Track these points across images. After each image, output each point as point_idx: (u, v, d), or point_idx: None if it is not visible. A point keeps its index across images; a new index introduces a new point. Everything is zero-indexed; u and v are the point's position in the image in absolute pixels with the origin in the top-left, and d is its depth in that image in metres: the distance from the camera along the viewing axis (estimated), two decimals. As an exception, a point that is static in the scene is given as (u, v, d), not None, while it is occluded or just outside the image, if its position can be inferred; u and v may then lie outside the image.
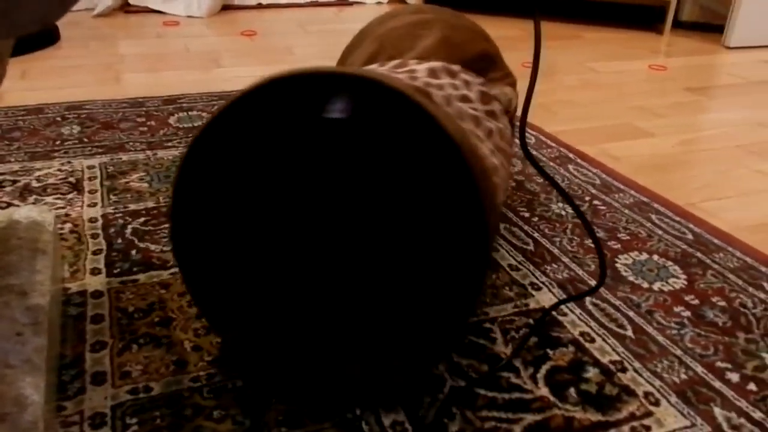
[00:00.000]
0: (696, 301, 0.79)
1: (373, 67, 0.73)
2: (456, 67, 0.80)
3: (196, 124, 1.27)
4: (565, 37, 2.22)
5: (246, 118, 0.55)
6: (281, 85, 0.53)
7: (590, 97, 1.60)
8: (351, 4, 2.56)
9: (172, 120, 1.28)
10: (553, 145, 1.26)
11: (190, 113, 1.32)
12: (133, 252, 0.82)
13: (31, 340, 0.56)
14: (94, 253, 0.82)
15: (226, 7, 2.35)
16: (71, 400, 0.59)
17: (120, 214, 0.92)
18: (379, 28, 0.92)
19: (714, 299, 0.79)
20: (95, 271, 0.78)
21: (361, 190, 0.56)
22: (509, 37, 2.18)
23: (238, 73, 1.65)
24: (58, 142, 1.16)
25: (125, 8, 2.26)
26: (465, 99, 0.75)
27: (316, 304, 0.60)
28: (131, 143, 1.17)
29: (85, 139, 1.17)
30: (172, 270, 0.79)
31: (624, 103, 1.56)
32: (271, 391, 0.59)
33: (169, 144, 1.17)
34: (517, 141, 1.19)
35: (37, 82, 1.50)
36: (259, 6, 2.43)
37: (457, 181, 0.51)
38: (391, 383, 0.60)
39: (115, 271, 0.78)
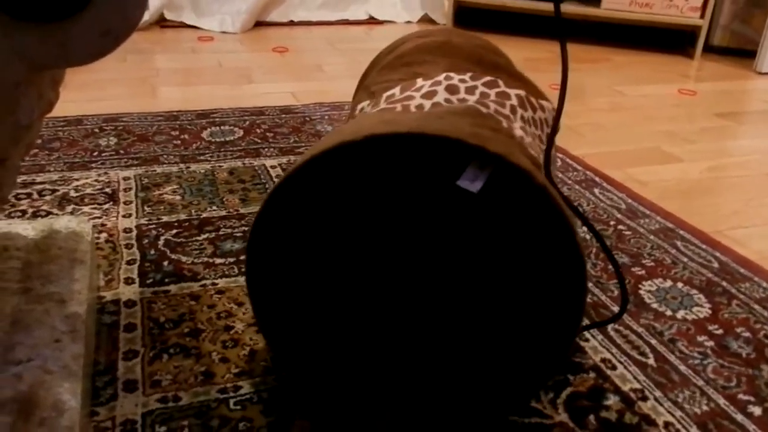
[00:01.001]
0: (720, 331, 0.79)
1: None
2: (534, 101, 0.80)
3: (227, 139, 1.30)
4: (594, 60, 2.22)
5: (336, 165, 0.59)
6: (413, 139, 0.57)
7: (618, 121, 1.60)
8: (381, 22, 2.60)
9: (204, 134, 1.32)
10: (579, 168, 1.26)
11: (222, 128, 1.36)
12: (165, 263, 0.85)
13: (69, 347, 0.58)
14: (128, 263, 0.85)
15: (258, 24, 2.41)
16: (104, 406, 0.61)
17: (153, 226, 0.95)
18: (397, 50, 0.93)
19: (738, 330, 0.79)
20: (129, 281, 0.81)
21: (463, 241, 0.62)
22: (536, 59, 2.19)
23: (269, 89, 1.69)
24: (95, 153, 1.20)
25: (161, 23, 2.33)
26: (542, 140, 0.76)
27: (406, 335, 0.64)
28: (165, 156, 1.20)
29: (122, 151, 1.21)
30: (202, 282, 0.82)
31: (652, 127, 1.56)
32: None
33: (202, 158, 1.20)
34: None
35: (77, 94, 1.55)
36: (291, 23, 2.48)
37: (565, 248, 0.56)
38: (478, 423, 0.62)
39: (148, 282, 0.81)
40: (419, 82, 0.71)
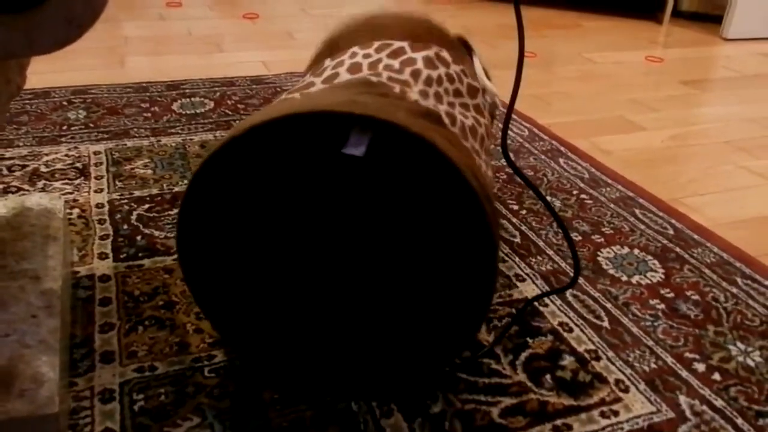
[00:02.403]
0: (671, 295, 0.83)
1: (365, 57, 0.76)
2: (447, 56, 0.82)
3: (198, 111, 1.30)
4: (566, 26, 2.23)
5: (260, 142, 0.60)
6: (299, 120, 0.58)
7: (586, 89, 1.63)
8: (353, -13, 2.57)
9: (175, 106, 1.32)
10: (546, 137, 1.29)
11: (192, 99, 1.36)
12: (138, 238, 0.87)
13: (45, 322, 0.60)
14: (102, 238, 0.86)
15: (228, -11, 2.36)
16: (82, 377, 0.64)
17: (125, 200, 0.96)
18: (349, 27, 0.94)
19: (688, 293, 0.84)
20: (102, 256, 0.82)
21: (376, 212, 0.62)
22: (508, 26, 2.19)
23: (240, 58, 1.68)
24: (64, 127, 1.19)
25: (129, -12, 2.27)
26: (458, 93, 0.78)
27: (330, 307, 0.65)
28: (135, 129, 1.20)
29: (91, 125, 1.21)
30: (175, 255, 0.84)
31: (619, 96, 1.59)
32: (278, 382, 0.63)
33: (172, 131, 1.20)
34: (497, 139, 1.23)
35: (44, 65, 1.53)
36: (262, -12, 2.44)
37: (470, 212, 0.57)
38: (403, 383, 0.65)
39: (121, 256, 0.83)
40: (326, 62, 0.73)
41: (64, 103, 1.30)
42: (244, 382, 0.65)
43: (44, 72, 1.48)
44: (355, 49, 0.75)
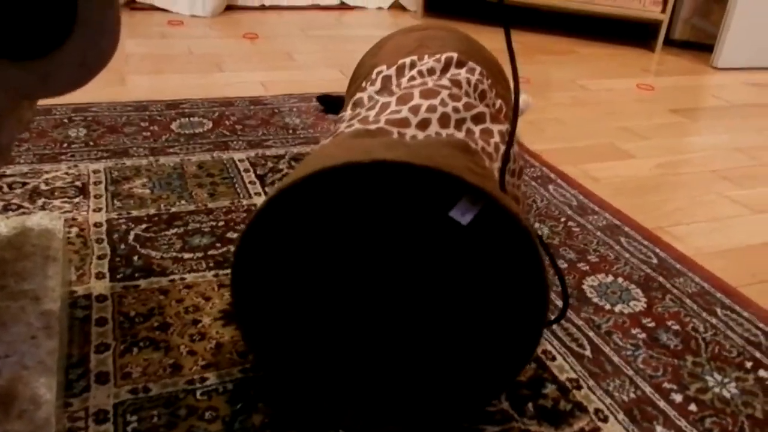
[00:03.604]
0: (652, 324, 0.86)
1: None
2: (478, 71, 0.86)
3: (197, 131, 1.33)
4: (560, 52, 2.28)
5: (322, 185, 0.65)
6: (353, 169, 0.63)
7: (578, 116, 1.66)
8: (352, 8, 2.61)
9: (174, 126, 1.34)
10: (537, 164, 1.32)
11: (191, 119, 1.38)
12: (135, 258, 0.89)
13: (44, 343, 0.62)
14: (99, 257, 0.88)
15: (229, 7, 2.40)
16: (77, 397, 0.65)
17: (123, 220, 0.98)
18: (390, 41, 0.98)
19: (669, 323, 0.86)
20: (100, 276, 0.84)
21: (432, 253, 0.69)
22: (500, 50, 2.23)
23: (239, 78, 1.71)
24: (65, 145, 1.22)
25: (131, 5, 2.31)
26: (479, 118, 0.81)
27: (380, 341, 0.70)
28: (134, 148, 1.23)
29: (91, 143, 1.23)
30: (171, 277, 0.86)
31: (610, 123, 1.63)
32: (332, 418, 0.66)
33: (171, 150, 1.23)
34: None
35: (45, 80, 1.55)
36: (262, 7, 2.48)
37: (527, 259, 0.62)
38: (451, 419, 0.68)
39: (118, 276, 0.85)
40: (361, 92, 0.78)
41: (65, 120, 1.32)
42: (235, 404, 0.67)
43: (46, 88, 1.50)
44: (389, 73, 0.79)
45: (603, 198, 1.21)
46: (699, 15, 2.43)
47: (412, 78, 0.81)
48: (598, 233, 1.07)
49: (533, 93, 1.81)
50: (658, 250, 1.04)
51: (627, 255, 1.02)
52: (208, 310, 0.80)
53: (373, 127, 0.69)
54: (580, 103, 1.76)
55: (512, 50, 0.62)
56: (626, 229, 1.10)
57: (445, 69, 0.83)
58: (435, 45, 0.90)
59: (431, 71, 0.82)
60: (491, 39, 2.40)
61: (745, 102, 1.90)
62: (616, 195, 1.24)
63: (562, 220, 1.11)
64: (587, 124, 1.61)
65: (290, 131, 1.37)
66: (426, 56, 0.85)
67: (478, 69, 0.85)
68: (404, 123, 0.70)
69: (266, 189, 1.12)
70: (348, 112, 0.80)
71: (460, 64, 0.84)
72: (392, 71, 0.85)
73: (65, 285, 0.77)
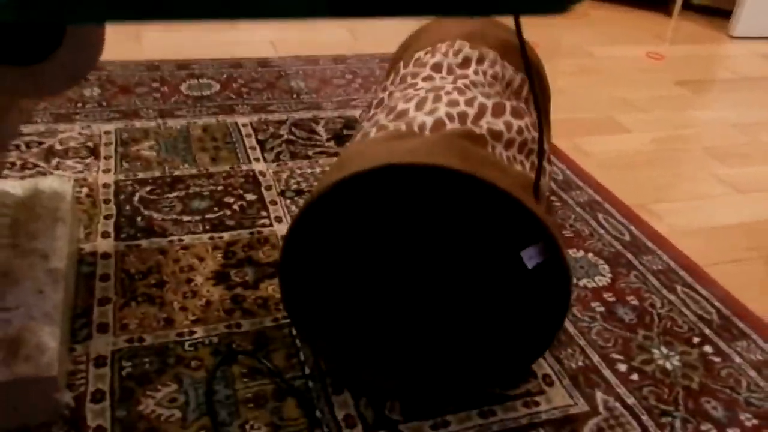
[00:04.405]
0: (612, 299, 0.92)
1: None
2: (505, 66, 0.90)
3: (204, 93, 1.39)
4: (574, 15, 2.26)
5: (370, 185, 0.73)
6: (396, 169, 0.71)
7: (581, 85, 1.68)
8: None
9: (183, 87, 1.41)
10: (529, 136, 1.36)
11: (200, 80, 1.44)
12: (139, 219, 0.97)
13: (50, 297, 0.71)
14: (106, 217, 0.97)
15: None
16: (81, 344, 0.75)
17: (130, 182, 1.06)
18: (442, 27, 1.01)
19: (629, 298, 0.92)
20: (105, 235, 0.93)
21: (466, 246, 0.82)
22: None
23: (251, 36, 1.75)
24: (79, 104, 1.29)
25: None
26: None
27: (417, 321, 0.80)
28: (144, 110, 1.29)
29: (104, 103, 1.30)
30: (170, 238, 0.94)
31: (612, 93, 1.65)
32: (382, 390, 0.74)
33: (179, 113, 1.30)
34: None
35: (64, 37, 1.62)
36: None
37: (556, 268, 0.69)
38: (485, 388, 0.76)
39: (122, 236, 0.93)
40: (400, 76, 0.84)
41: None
42: (218, 355, 0.75)
43: (64, 46, 1.57)
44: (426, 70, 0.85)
45: (590, 173, 1.25)
46: (722, -20, 2.38)
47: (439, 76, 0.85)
48: (578, 209, 1.12)
49: (541, 58, 1.82)
50: (632, 227, 1.09)
51: (602, 231, 1.07)
52: (202, 270, 0.88)
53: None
54: (585, 71, 1.78)
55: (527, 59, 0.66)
56: (606, 205, 1.14)
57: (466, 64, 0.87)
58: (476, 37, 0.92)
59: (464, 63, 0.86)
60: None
61: (755, 75, 1.89)
62: (604, 170, 1.28)
63: (546, 194, 1.16)
64: (588, 95, 1.63)
65: (294, 95, 1.42)
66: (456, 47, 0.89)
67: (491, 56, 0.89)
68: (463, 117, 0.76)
69: (265, 155, 1.18)
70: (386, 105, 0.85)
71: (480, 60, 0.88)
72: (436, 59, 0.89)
73: (73, 243, 0.85)
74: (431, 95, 0.76)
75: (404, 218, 0.86)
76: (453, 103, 0.75)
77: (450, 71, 0.83)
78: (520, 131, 0.76)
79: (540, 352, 0.71)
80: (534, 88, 0.63)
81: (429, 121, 0.71)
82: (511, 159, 0.73)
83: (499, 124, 0.74)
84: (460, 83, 0.80)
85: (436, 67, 0.84)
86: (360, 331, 0.79)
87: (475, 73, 0.83)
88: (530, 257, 0.64)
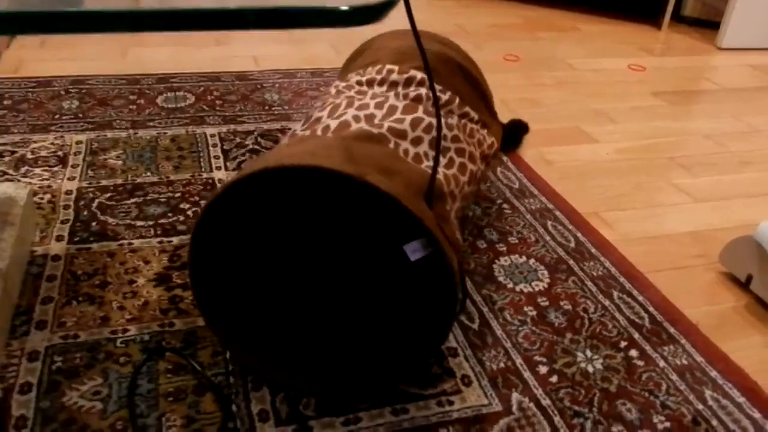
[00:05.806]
0: (546, 303, 0.93)
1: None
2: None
3: (179, 105, 1.44)
4: (562, 29, 2.28)
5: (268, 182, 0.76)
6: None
7: (555, 97, 1.70)
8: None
9: (159, 99, 1.46)
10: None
11: (177, 93, 1.49)
12: (94, 223, 1.01)
13: (-14, 294, 0.75)
14: (63, 222, 1.01)
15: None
16: (17, 339, 0.79)
17: (92, 189, 1.11)
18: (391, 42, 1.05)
19: (563, 302, 0.94)
20: (59, 238, 0.97)
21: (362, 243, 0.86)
22: (502, 25, 2.25)
23: (235, 51, 1.80)
24: (57, 116, 1.35)
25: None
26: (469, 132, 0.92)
27: (320, 317, 0.84)
28: (118, 121, 1.35)
29: (81, 115, 1.36)
30: (121, 241, 0.98)
31: (584, 105, 1.66)
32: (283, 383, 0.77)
33: (150, 124, 1.35)
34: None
35: (54, 52, 1.69)
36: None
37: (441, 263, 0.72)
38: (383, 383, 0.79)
39: (75, 239, 0.97)
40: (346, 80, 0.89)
41: (62, 92, 1.46)
42: (146, 352, 0.79)
43: (51, 59, 1.64)
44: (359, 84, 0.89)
45: (548, 182, 1.27)
46: (711, -8, 2.38)
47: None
48: (528, 216, 1.14)
49: (518, 72, 1.84)
50: (579, 235, 1.10)
51: (548, 238, 1.08)
52: (145, 272, 0.92)
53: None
54: (562, 83, 1.79)
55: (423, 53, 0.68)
56: (557, 213, 1.16)
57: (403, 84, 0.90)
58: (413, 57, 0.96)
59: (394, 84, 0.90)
60: (489, 14, 2.41)
61: (737, 86, 1.89)
62: (563, 179, 1.30)
63: (498, 202, 1.18)
64: (561, 106, 1.65)
65: (266, 107, 1.47)
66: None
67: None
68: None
69: (227, 163, 1.22)
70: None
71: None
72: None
73: (23, 246, 0.90)
74: (344, 102, 0.80)
75: (306, 218, 0.89)
76: (363, 107, 0.78)
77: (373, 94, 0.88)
78: (429, 129, 0.79)
79: (433, 348, 0.73)
80: (432, 85, 0.66)
81: (334, 123, 0.75)
82: (421, 155, 0.76)
83: (404, 123, 0.77)
84: (379, 96, 0.83)
85: (360, 92, 0.88)
86: (273, 332, 0.81)
87: (396, 96, 0.86)
88: (413, 251, 0.66)
